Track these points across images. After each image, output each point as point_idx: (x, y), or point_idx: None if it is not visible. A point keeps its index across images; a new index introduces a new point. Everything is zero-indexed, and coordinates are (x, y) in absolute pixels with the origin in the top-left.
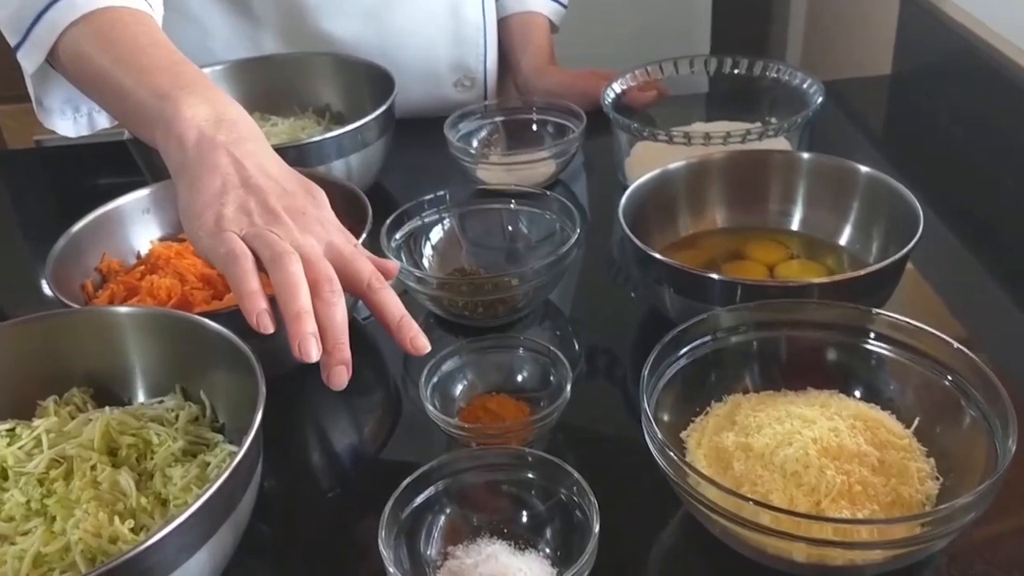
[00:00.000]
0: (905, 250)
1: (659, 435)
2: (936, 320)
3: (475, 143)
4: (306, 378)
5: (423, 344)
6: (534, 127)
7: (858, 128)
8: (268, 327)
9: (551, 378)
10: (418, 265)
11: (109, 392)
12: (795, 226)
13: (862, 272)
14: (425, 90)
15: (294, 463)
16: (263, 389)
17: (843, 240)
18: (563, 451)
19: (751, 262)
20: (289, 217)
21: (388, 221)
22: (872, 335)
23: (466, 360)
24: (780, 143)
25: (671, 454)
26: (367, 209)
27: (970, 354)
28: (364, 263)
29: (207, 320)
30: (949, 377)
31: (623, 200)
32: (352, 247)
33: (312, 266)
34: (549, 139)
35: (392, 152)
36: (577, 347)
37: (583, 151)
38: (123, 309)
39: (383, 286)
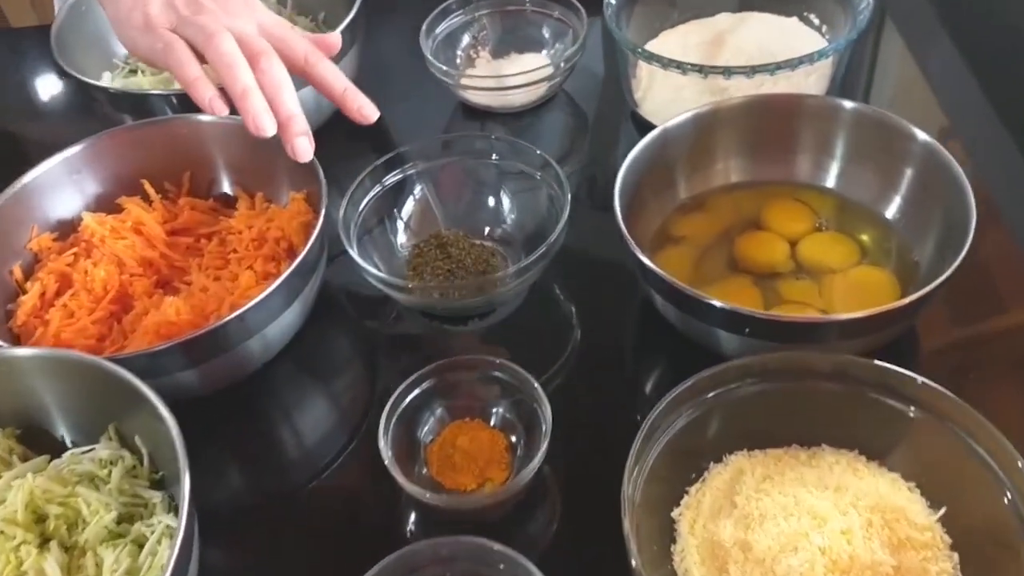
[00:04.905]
0: (950, 270)
1: None
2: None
3: (459, 53)
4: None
5: (371, 112)
6: (527, 27)
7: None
8: (222, 109)
9: (535, 407)
10: (391, 236)
11: (39, 431)
12: (830, 183)
13: (893, 306)
14: None
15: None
16: (184, 458)
17: (889, 212)
18: (548, 485)
19: (769, 234)
20: (214, 3)
21: (345, 201)
22: (907, 400)
23: (432, 387)
24: (819, 71)
25: None
26: (321, 182)
27: (1019, 459)
28: (297, 40)
29: (115, 366)
30: (1006, 487)
31: (620, 176)
32: (283, 25)
33: (246, 43)
34: (545, 43)
35: (362, 58)
36: (571, 331)
37: (588, 41)
38: (25, 352)
39: (320, 59)
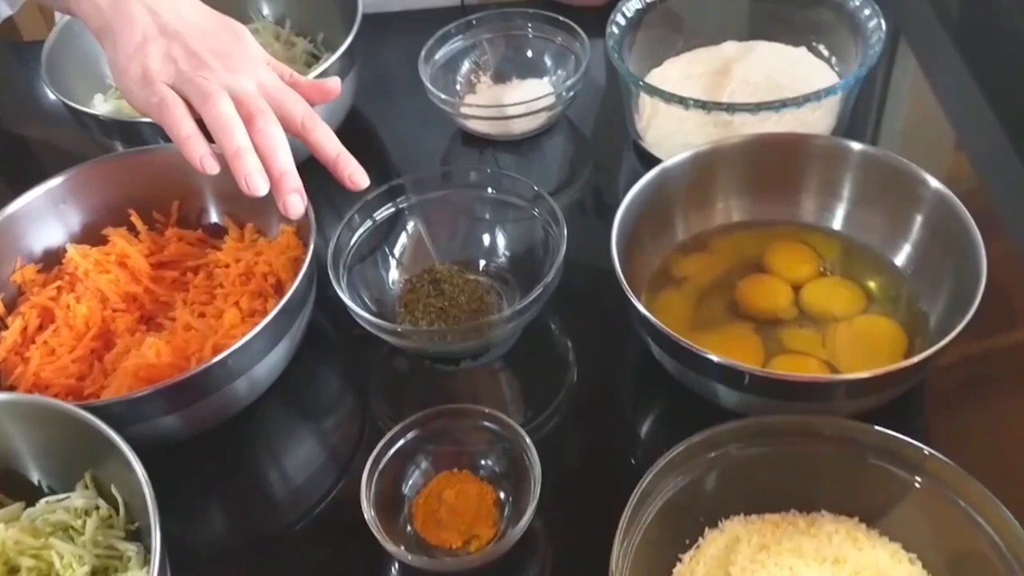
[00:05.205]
0: (960, 326)
1: None
2: None
3: (459, 78)
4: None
5: (361, 179)
6: (529, 53)
7: (936, 18)
8: (213, 168)
9: (524, 460)
10: (382, 271)
11: (14, 474)
12: (836, 225)
13: (898, 367)
14: None
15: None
16: (155, 513)
17: (897, 258)
18: (538, 540)
19: (772, 278)
20: (215, 59)
21: (335, 237)
22: (912, 469)
23: (418, 436)
24: (826, 106)
25: None
26: (310, 219)
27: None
28: (296, 102)
29: (87, 414)
30: (1011, 565)
31: (617, 218)
32: (282, 85)
33: (244, 102)
34: (547, 70)
35: (360, 80)
36: (566, 371)
37: (592, 64)
38: None
39: (317, 124)
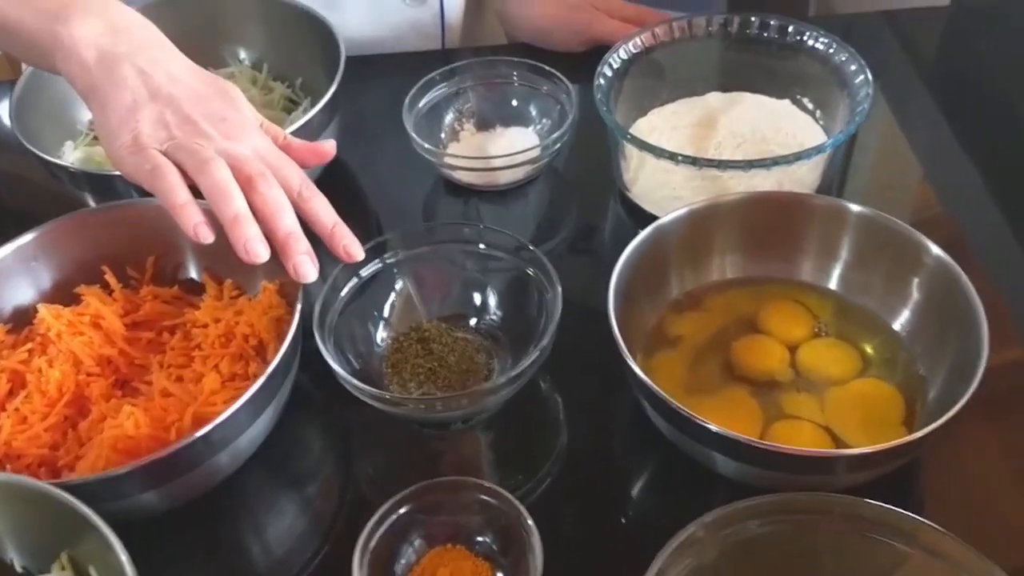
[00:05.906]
0: (963, 400)
1: None
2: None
3: (443, 126)
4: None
5: (357, 252)
6: (514, 101)
7: (911, 68)
8: (208, 237)
9: (523, 538)
10: (370, 328)
11: None
12: (832, 284)
13: (902, 441)
14: (366, 13)
15: None
16: None
17: (894, 320)
18: None
19: (768, 339)
20: (210, 125)
21: (320, 299)
22: (920, 548)
23: (410, 511)
24: (814, 161)
25: None
26: (297, 290)
27: None
28: (292, 170)
29: (62, 492)
30: None
31: (613, 280)
32: (278, 152)
33: (241, 167)
34: (532, 119)
35: (342, 128)
36: (558, 434)
37: (578, 111)
38: None
39: (313, 194)
